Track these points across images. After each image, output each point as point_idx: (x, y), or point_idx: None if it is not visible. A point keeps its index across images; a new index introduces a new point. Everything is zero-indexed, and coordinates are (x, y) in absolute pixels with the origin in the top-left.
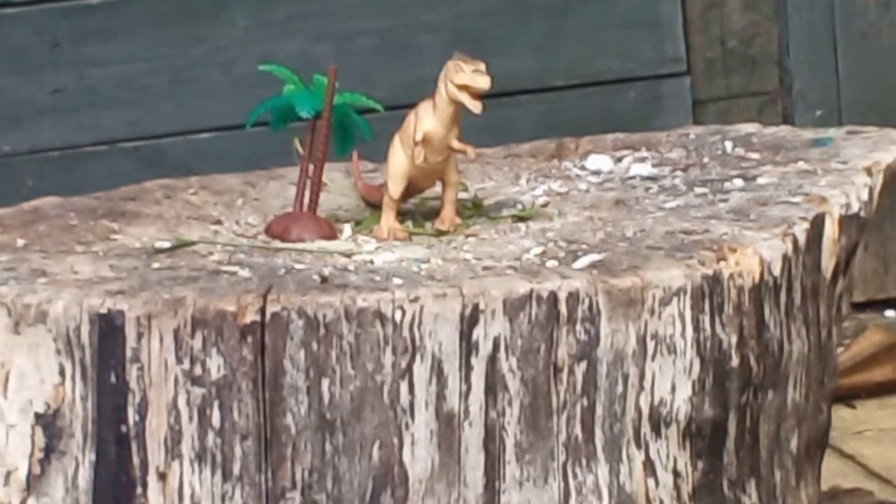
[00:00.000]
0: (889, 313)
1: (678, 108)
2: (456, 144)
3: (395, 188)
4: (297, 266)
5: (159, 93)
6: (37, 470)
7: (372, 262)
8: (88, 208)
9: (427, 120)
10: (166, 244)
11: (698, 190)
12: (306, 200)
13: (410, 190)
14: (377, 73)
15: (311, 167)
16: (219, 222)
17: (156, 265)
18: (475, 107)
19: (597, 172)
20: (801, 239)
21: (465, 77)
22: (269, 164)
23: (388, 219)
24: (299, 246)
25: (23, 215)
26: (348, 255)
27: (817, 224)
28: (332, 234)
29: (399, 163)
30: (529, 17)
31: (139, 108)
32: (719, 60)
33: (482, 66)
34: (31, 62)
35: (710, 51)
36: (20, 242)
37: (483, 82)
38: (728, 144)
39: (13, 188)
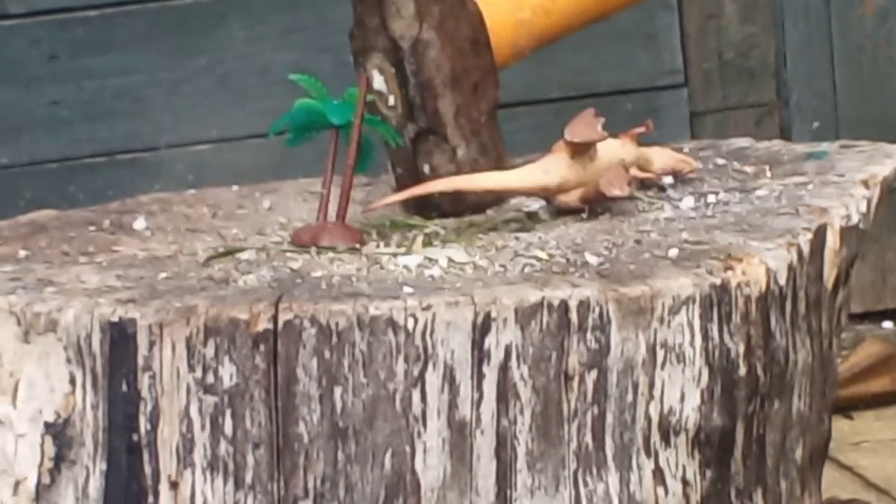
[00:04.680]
0: (887, 324)
1: (675, 120)
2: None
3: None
4: (312, 273)
5: (157, 104)
6: (46, 479)
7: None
8: (85, 221)
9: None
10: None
11: (697, 201)
12: (332, 210)
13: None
14: None
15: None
16: (219, 234)
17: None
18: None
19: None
20: (805, 249)
21: None
22: (267, 175)
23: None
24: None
25: (20, 228)
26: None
27: (820, 235)
28: (357, 239)
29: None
30: None
31: (137, 120)
32: (716, 72)
33: None
34: (28, 74)
35: (708, 62)
36: (22, 254)
37: None
38: (722, 158)
39: (11, 200)
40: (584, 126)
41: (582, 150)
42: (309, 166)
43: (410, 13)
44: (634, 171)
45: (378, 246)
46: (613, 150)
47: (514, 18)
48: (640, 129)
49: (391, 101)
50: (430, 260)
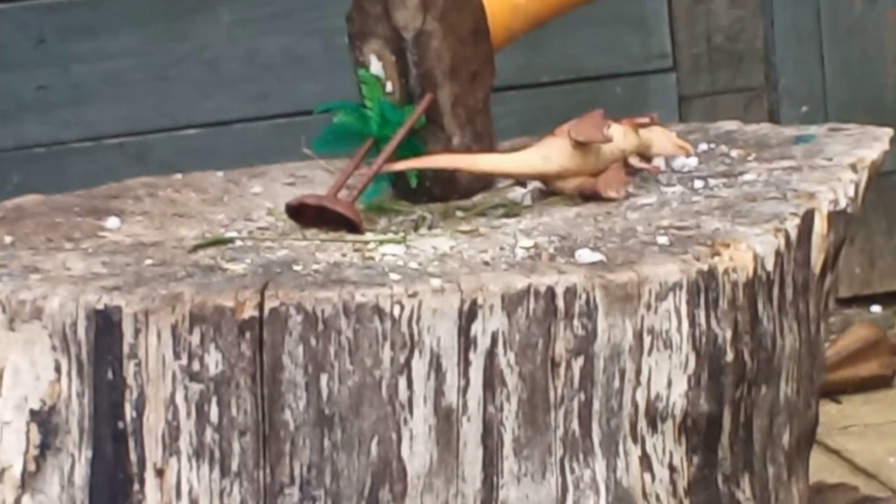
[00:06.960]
0: (875, 309)
1: (664, 104)
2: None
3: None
4: (298, 261)
5: (144, 89)
6: (32, 467)
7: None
8: (72, 206)
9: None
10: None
11: (685, 186)
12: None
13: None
14: None
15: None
16: (205, 219)
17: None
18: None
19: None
20: (793, 234)
21: None
22: (254, 160)
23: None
24: (349, 237)
25: (6, 213)
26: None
27: (807, 219)
28: (359, 219)
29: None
30: None
31: (124, 105)
32: (705, 56)
33: None
34: (16, 58)
35: (696, 47)
36: (7, 239)
37: None
38: (710, 142)
39: None
40: (590, 127)
41: (585, 146)
42: (296, 151)
43: (415, 3)
44: (634, 161)
45: (364, 232)
46: (615, 138)
47: (511, 3)
48: (644, 120)
49: (388, 87)
50: (416, 247)
